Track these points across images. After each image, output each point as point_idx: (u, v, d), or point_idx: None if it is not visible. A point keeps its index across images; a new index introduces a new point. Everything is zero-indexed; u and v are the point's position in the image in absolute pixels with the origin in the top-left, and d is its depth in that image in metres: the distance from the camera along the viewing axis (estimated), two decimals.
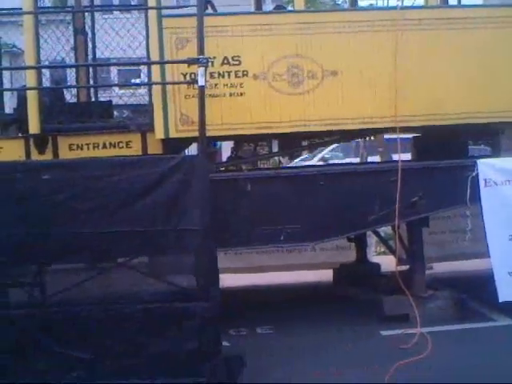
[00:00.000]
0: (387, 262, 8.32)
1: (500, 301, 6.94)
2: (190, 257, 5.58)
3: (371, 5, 16.70)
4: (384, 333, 6.96)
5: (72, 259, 5.73)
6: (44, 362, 5.35)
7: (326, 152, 19.88)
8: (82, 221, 5.46)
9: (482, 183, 7.05)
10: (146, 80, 7.63)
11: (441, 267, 9.37)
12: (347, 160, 17.04)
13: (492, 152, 8.24)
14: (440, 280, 7.84)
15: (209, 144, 7.04)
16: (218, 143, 13.14)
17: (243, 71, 6.72)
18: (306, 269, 9.62)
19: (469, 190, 6.98)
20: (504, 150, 7.73)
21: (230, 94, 6.71)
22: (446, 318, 7.15)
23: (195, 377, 5.28)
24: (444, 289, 7.42)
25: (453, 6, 8.21)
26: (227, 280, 7.79)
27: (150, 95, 6.92)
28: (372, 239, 9.51)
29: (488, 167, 7.10)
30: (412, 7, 7.43)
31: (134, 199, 5.45)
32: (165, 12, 6.69)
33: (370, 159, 14.73)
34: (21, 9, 6.83)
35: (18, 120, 7.04)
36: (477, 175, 7.03)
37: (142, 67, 9.27)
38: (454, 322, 7.10)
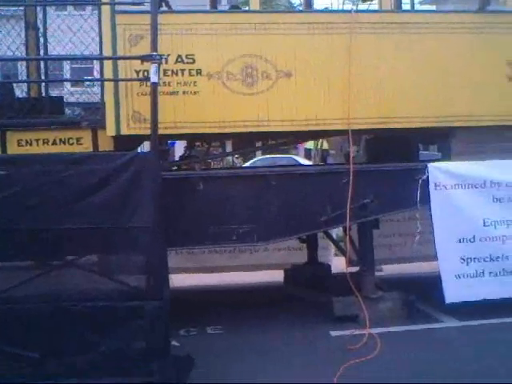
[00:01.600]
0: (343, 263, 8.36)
1: (446, 302, 7.06)
2: (140, 255, 5.52)
3: (326, 8, 16.85)
4: (334, 333, 7.00)
5: (20, 256, 5.63)
6: None
7: None
8: (31, 217, 5.36)
9: (431, 186, 7.15)
10: (98, 77, 7.53)
11: (390, 269, 9.48)
12: None
13: (442, 156, 8.35)
14: (389, 282, 7.90)
15: (162, 143, 6.99)
16: (174, 143, 13.08)
17: (197, 70, 6.68)
18: (258, 269, 9.62)
19: (419, 193, 7.07)
20: (454, 154, 7.84)
21: (184, 92, 6.67)
22: (395, 319, 7.22)
23: (144, 376, 5.23)
24: (393, 290, 7.49)
25: (406, 11, 8.29)
26: (178, 279, 7.73)
27: (102, 92, 6.84)
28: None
29: (438, 171, 7.20)
30: (366, 11, 7.48)
31: (84, 195, 5.38)
32: (118, 8, 6.61)
33: None
34: None
35: None
36: (427, 178, 7.12)
37: (94, 64, 9.15)
38: (402, 323, 7.18)
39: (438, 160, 8.01)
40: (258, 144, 9.60)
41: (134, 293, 5.45)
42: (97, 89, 7.67)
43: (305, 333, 7.02)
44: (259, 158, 24.68)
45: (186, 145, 8.46)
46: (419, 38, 7.12)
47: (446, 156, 8.10)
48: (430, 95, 7.15)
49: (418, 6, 8.97)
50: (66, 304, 5.35)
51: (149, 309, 5.31)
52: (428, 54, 7.15)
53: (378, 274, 7.87)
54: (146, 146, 7.08)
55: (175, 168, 8.00)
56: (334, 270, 9.12)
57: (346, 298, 7.24)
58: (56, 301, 5.38)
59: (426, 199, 7.13)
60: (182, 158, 8.37)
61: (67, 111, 8.19)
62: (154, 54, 5.68)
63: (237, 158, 24.85)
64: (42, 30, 7.79)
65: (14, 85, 7.85)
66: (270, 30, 6.83)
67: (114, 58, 6.52)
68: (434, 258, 7.25)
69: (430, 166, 7.20)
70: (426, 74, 7.14)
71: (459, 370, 5.76)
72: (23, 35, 7.79)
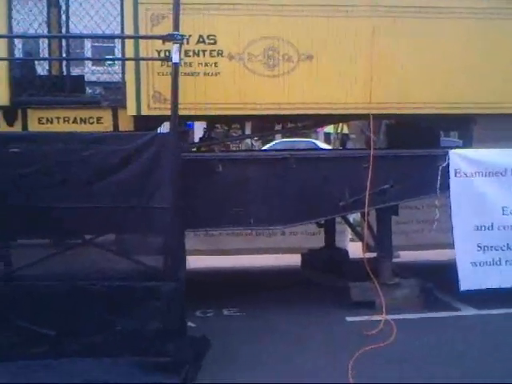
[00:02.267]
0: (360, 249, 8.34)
1: (461, 289, 7.04)
2: (158, 236, 5.53)
3: None
4: (349, 318, 6.99)
5: (39, 234, 5.66)
6: (7, 338, 5.28)
7: None
8: (51, 195, 5.38)
9: (452, 173, 7.11)
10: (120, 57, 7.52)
11: (407, 256, 9.44)
12: None
13: (464, 143, 8.28)
14: (406, 268, 7.87)
15: (181, 123, 6.97)
16: (191, 124, 13.06)
17: (218, 51, 6.64)
18: (275, 253, 9.62)
19: (439, 180, 7.02)
20: (476, 141, 7.77)
21: (205, 74, 6.63)
22: (412, 306, 7.20)
23: (160, 356, 5.25)
24: (410, 277, 7.46)
25: None
26: (196, 261, 7.76)
27: (123, 71, 6.82)
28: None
29: (459, 158, 7.15)
30: None
31: (104, 175, 5.39)
32: None
33: None
34: None
35: None
36: (447, 165, 7.07)
37: (116, 44, 9.14)
38: (419, 310, 7.17)
39: (459, 147, 7.95)
40: (278, 127, 9.55)
41: (151, 273, 5.47)
42: (118, 68, 7.66)
43: (321, 317, 7.01)
44: (278, 141, 24.64)
45: (205, 126, 8.44)
46: (441, 22, 7.03)
47: (468, 143, 8.05)
48: (452, 81, 7.07)
49: None
50: (83, 283, 5.37)
51: (165, 289, 5.32)
52: (450, 39, 7.05)
53: (395, 260, 7.83)
54: (165, 127, 7.06)
55: (194, 149, 7.99)
56: (350, 255, 9.08)
57: (362, 284, 7.22)
58: (73, 279, 5.41)
59: (446, 186, 7.07)
60: (201, 139, 8.36)
61: (88, 90, 8.18)
62: (176, 33, 5.65)
63: (256, 140, 24.80)
64: (64, 7, 7.79)
65: (36, 62, 7.85)
66: (293, 12, 6.76)
67: (136, 37, 6.49)
68: (451, 245, 7.21)
69: (451, 152, 7.14)
70: (449, 60, 7.05)
71: (476, 358, 5.74)
72: (45, 13, 7.79)
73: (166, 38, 5.92)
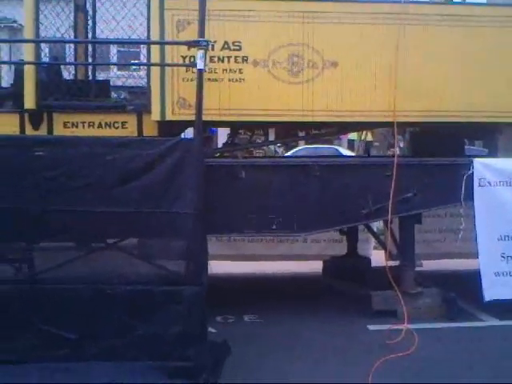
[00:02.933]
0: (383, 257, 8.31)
1: (485, 300, 6.98)
2: (181, 240, 5.54)
3: None
4: (371, 327, 6.96)
5: (62, 237, 5.69)
6: (28, 340, 5.32)
7: None
8: (75, 199, 5.41)
9: (476, 182, 7.05)
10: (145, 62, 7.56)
11: (430, 265, 9.38)
12: None
13: (489, 153, 8.23)
14: (429, 277, 7.81)
15: (205, 129, 7.00)
16: (215, 130, 13.11)
17: (243, 57, 6.66)
18: (297, 259, 9.61)
19: (463, 189, 6.97)
20: (501, 150, 7.71)
21: (229, 80, 6.65)
22: (434, 315, 7.15)
23: (181, 361, 5.25)
24: (433, 286, 7.41)
25: (457, 3, 8.17)
26: (217, 267, 7.76)
27: (149, 77, 6.86)
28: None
29: (483, 167, 7.09)
30: (416, 2, 7.36)
31: (128, 179, 5.41)
32: None
33: None
34: None
35: (14, 95, 6.98)
36: (472, 174, 7.02)
37: (141, 49, 9.20)
38: (441, 319, 7.12)
39: (483, 156, 7.89)
40: (301, 133, 9.54)
41: (173, 278, 5.48)
42: (143, 73, 7.71)
43: (342, 325, 6.99)
44: (301, 148, 24.62)
45: (229, 132, 8.46)
46: (467, 31, 6.99)
47: (493, 152, 7.98)
48: (477, 90, 7.03)
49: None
50: (105, 286, 5.39)
51: (187, 294, 5.33)
52: (475, 48, 7.02)
53: (417, 269, 7.78)
54: (189, 132, 7.09)
55: (218, 155, 8.01)
56: (373, 263, 9.04)
57: (384, 293, 7.18)
58: (95, 283, 5.43)
59: (470, 195, 7.02)
60: (225, 145, 8.37)
61: (113, 95, 8.25)
62: (201, 39, 5.67)
63: (279, 146, 24.80)
64: (90, 12, 7.86)
65: (62, 66, 7.93)
66: (318, 18, 6.77)
67: (162, 43, 6.53)
68: (475, 255, 7.15)
69: (476, 161, 7.09)
70: (473, 68, 7.02)
71: (498, 369, 5.68)
72: (72, 18, 7.87)
73: (191, 44, 5.96)
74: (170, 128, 6.83)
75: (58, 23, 7.62)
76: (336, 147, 26.09)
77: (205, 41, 5.69)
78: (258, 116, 6.80)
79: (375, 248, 9.54)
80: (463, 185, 6.98)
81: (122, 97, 8.78)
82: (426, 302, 7.25)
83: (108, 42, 8.93)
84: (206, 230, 5.73)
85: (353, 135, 20.23)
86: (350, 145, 26.07)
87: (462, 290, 7.44)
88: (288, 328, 6.87)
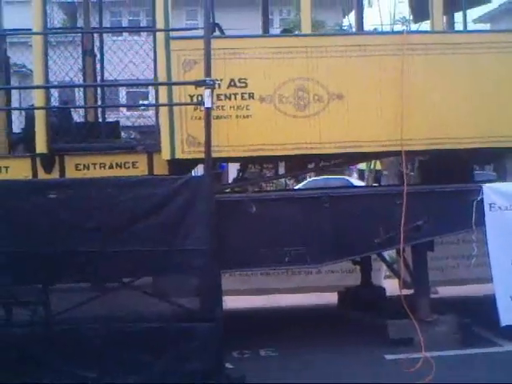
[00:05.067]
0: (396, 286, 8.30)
1: (502, 325, 6.94)
2: (194, 277, 5.59)
3: (375, 29, 16.85)
4: (388, 357, 6.92)
5: (77, 278, 5.75)
6: (49, 381, 5.36)
7: None
8: (88, 240, 5.48)
9: (486, 208, 7.05)
10: (153, 102, 7.67)
11: (445, 291, 9.34)
12: None
13: (498, 177, 8.24)
14: (444, 304, 7.78)
15: (215, 165, 7.06)
16: (224, 165, 13.17)
17: (249, 93, 6.75)
18: (311, 291, 9.59)
19: (474, 215, 6.98)
20: (510, 174, 7.73)
21: (237, 116, 6.74)
22: (451, 342, 7.11)
23: None
24: (448, 313, 7.38)
25: (458, 32, 8.25)
26: (232, 302, 7.77)
27: (157, 116, 6.96)
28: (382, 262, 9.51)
29: (493, 192, 7.10)
30: (417, 32, 7.46)
31: (139, 219, 5.49)
32: (173, 34, 6.74)
33: None
34: (30, 29, 6.89)
35: (26, 139, 7.08)
36: (482, 200, 7.03)
37: (149, 90, 9.33)
38: (458, 346, 7.07)
39: (493, 181, 7.90)
40: (311, 165, 9.60)
41: (188, 314, 5.52)
42: (152, 113, 7.80)
43: (359, 356, 6.95)
44: (312, 180, 24.64)
45: (239, 167, 8.52)
46: (471, 58, 7.06)
47: (502, 177, 8.00)
48: (483, 115, 7.07)
49: (471, 25, 8.83)
50: (121, 325, 5.44)
51: (202, 330, 5.36)
52: (480, 74, 7.08)
53: (433, 296, 7.76)
54: (200, 168, 7.16)
55: (228, 190, 8.06)
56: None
57: (400, 321, 7.15)
58: (111, 322, 5.47)
59: (481, 221, 7.03)
60: (235, 180, 8.43)
61: (123, 135, 8.34)
62: (208, 79, 5.78)
63: (289, 179, 24.84)
64: (98, 56, 8.00)
65: (72, 110, 8.05)
66: (322, 52, 6.86)
67: (169, 84, 6.63)
68: (489, 280, 7.13)
69: (485, 186, 7.11)
70: (479, 95, 7.07)
71: None
72: (81, 61, 8.02)
73: (198, 84, 6.06)
74: (180, 166, 6.90)
75: (67, 67, 7.76)
76: (346, 177, 26.11)
77: (211, 80, 5.79)
78: (266, 151, 6.87)
79: (388, 277, 9.52)
80: (474, 210, 6.98)
81: (132, 137, 8.90)
82: (442, 329, 7.22)
83: (116, 85, 9.07)
84: (219, 266, 5.76)
85: (362, 165, 20.27)
86: (361, 175, 26.08)
87: (478, 316, 7.40)
88: (305, 361, 6.83)
